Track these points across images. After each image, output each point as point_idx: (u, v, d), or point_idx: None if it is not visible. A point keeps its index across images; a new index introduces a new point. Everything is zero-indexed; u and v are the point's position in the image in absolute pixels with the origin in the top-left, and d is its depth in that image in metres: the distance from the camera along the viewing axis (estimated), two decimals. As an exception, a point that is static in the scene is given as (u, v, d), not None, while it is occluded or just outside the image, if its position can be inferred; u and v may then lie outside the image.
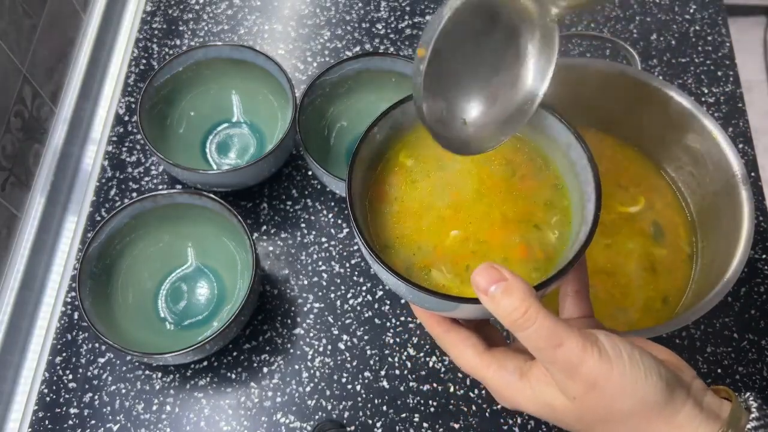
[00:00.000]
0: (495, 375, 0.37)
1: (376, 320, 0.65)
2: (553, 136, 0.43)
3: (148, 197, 0.62)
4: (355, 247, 0.68)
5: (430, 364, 0.63)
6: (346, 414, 0.61)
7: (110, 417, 0.61)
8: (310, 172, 0.72)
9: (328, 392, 0.62)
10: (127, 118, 0.76)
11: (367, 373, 0.62)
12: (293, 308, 0.65)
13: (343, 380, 0.62)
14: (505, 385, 0.37)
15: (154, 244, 0.65)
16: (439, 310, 0.39)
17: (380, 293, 0.66)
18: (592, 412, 0.34)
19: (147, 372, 0.63)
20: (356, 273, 0.67)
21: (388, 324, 0.65)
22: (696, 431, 0.33)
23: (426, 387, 0.62)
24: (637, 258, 0.62)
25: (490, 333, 0.41)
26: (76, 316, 0.65)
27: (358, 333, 0.64)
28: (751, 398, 0.35)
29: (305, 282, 0.67)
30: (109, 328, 0.59)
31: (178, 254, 0.66)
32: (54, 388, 0.62)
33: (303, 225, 0.69)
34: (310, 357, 0.63)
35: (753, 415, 0.34)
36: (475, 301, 0.35)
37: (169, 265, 0.66)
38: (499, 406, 0.60)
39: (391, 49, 0.80)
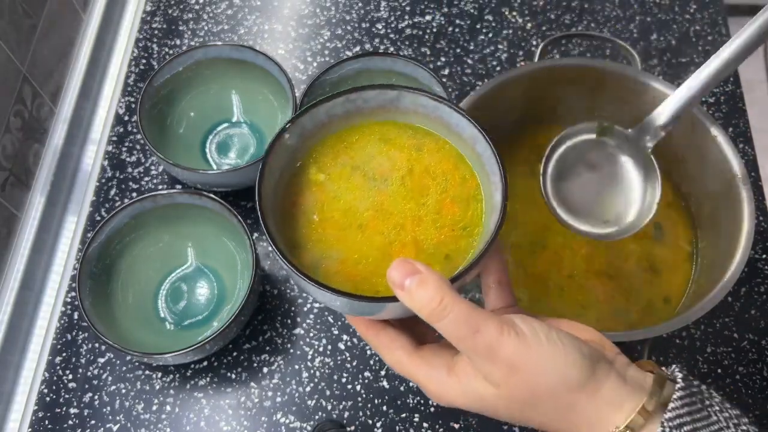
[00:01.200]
0: (424, 374, 0.37)
1: (376, 320, 0.65)
2: (459, 132, 0.43)
3: (148, 197, 0.62)
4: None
5: (430, 364, 0.63)
6: (346, 414, 0.61)
7: (110, 417, 0.61)
8: (310, 172, 0.72)
9: (328, 392, 0.62)
10: (127, 118, 0.76)
11: (367, 373, 0.62)
12: (293, 308, 0.65)
13: (343, 380, 0.62)
14: (434, 383, 0.36)
15: (153, 244, 0.65)
16: (367, 314, 0.39)
17: (380, 293, 0.66)
18: (518, 396, 0.34)
19: (147, 372, 0.63)
20: (356, 273, 0.67)
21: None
22: (621, 404, 0.33)
23: (426, 387, 0.62)
24: (638, 258, 0.62)
25: (422, 331, 0.40)
26: (76, 316, 0.65)
27: (358, 333, 0.64)
28: (677, 370, 0.35)
29: (305, 282, 0.66)
30: (109, 328, 0.59)
31: (178, 254, 0.66)
32: (54, 388, 0.62)
33: (303, 225, 0.69)
34: (310, 357, 0.63)
35: (678, 386, 0.34)
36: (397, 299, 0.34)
37: (169, 265, 0.66)
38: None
39: (391, 49, 0.80)
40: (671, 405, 0.33)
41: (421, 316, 0.34)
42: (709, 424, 0.33)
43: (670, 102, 0.53)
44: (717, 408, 0.34)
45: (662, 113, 0.53)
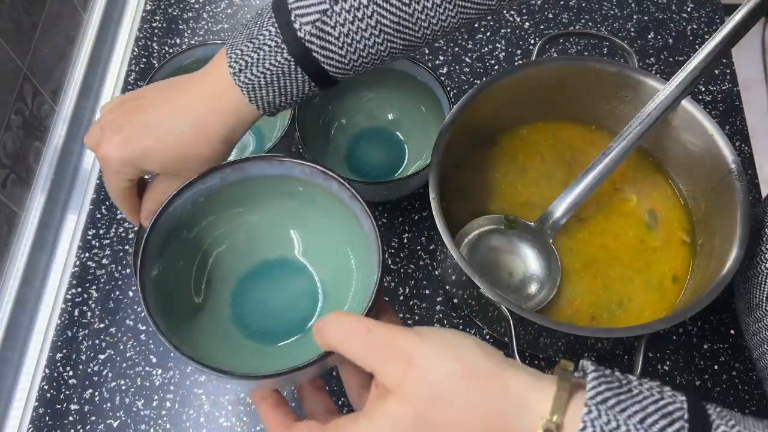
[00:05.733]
0: None
1: (375, 317, 0.65)
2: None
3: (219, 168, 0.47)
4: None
5: (429, 360, 0.63)
6: (344, 410, 0.61)
7: (110, 413, 0.61)
8: (309, 170, 0.72)
9: (327, 388, 0.62)
10: (127, 117, 0.76)
11: (366, 370, 0.63)
12: (292, 305, 0.66)
13: (342, 376, 0.62)
14: None
15: (234, 231, 0.51)
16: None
17: (379, 290, 0.66)
18: (420, 393, 0.32)
19: (147, 368, 0.63)
20: (355, 270, 0.67)
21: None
22: (537, 385, 0.32)
23: (424, 383, 0.62)
24: (637, 247, 0.63)
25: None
26: (76, 313, 0.65)
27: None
28: (582, 361, 0.34)
29: (304, 279, 0.67)
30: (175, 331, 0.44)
31: (272, 244, 0.52)
32: (54, 384, 0.62)
33: (302, 222, 0.70)
34: (309, 353, 0.63)
35: (591, 368, 0.33)
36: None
37: (254, 259, 0.52)
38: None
39: (390, 48, 0.80)
40: (589, 385, 0.31)
41: (333, 341, 0.36)
42: (633, 396, 0.31)
43: (563, 199, 0.60)
44: (636, 383, 0.32)
45: (558, 208, 0.60)
